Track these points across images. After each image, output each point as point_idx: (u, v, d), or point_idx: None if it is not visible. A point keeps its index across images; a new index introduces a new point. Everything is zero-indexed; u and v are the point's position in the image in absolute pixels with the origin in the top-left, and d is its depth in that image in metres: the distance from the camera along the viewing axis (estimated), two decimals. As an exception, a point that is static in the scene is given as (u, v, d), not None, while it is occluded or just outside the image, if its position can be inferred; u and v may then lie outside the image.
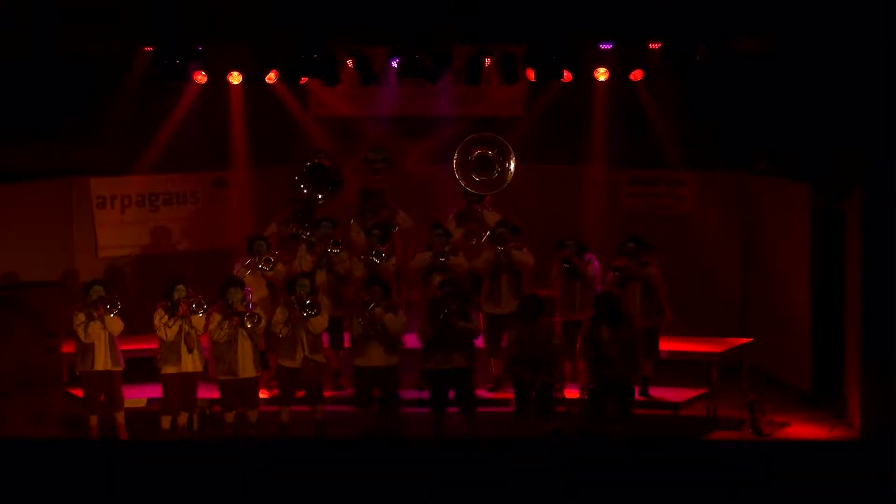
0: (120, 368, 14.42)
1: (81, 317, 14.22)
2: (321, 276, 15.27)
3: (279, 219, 16.02)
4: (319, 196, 16.17)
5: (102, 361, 14.28)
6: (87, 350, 14.27)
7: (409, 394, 14.89)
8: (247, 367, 14.36)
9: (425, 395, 14.55)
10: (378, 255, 15.14)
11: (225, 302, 14.33)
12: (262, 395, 14.91)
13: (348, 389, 15.41)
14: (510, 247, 15.16)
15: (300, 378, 14.50)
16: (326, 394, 15.08)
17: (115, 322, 14.26)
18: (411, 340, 14.73)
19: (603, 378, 13.96)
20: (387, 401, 14.40)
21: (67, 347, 14.91)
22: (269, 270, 15.10)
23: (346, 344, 15.54)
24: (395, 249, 15.78)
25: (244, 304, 14.36)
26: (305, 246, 15.42)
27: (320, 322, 14.39)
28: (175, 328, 14.26)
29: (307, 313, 14.27)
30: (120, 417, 14.46)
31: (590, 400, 14.14)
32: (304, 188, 16.08)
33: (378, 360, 14.34)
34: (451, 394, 14.31)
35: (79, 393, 14.70)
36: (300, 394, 14.65)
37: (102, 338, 14.27)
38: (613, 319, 13.96)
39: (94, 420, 14.41)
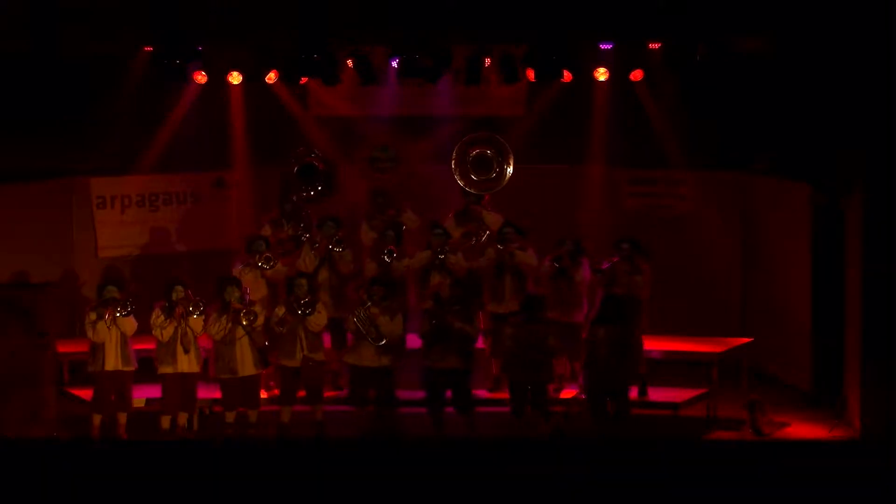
0: (131, 369, 14.41)
1: (93, 315, 14.23)
2: (323, 275, 15.28)
3: (270, 220, 16.01)
4: (311, 194, 16.16)
5: (113, 361, 14.29)
6: (97, 350, 14.28)
7: (407, 393, 14.90)
8: (246, 365, 14.37)
9: (422, 394, 14.58)
10: (389, 255, 15.13)
11: (222, 300, 14.35)
12: (262, 395, 14.91)
13: (347, 390, 15.43)
14: (513, 247, 15.16)
15: (300, 377, 14.51)
16: (326, 394, 15.09)
17: (127, 322, 14.26)
18: (412, 340, 14.73)
19: (596, 378, 13.97)
20: (382, 402, 14.39)
21: (63, 347, 14.91)
22: (269, 269, 15.12)
23: (349, 344, 15.56)
24: (407, 251, 15.76)
25: (241, 301, 14.36)
26: (308, 245, 15.44)
27: (318, 321, 14.40)
28: (171, 329, 14.27)
29: (302, 312, 14.27)
30: (122, 417, 14.47)
31: (587, 399, 14.14)
32: (296, 189, 16.06)
33: (369, 360, 14.34)
34: (449, 394, 14.32)
35: (82, 393, 14.71)
36: (301, 393, 14.65)
37: (113, 337, 14.27)
38: (612, 320, 13.95)
39: (97, 419, 14.42)
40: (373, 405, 14.45)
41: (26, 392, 14.42)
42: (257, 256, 15.15)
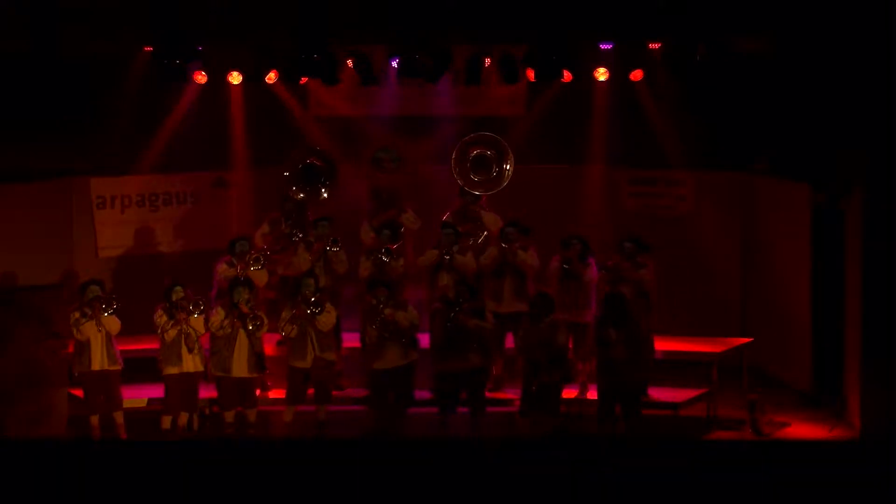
0: (118, 367, 14.43)
1: (76, 315, 14.24)
2: (319, 276, 15.27)
3: (270, 219, 16.00)
4: (312, 196, 16.14)
5: (99, 361, 14.29)
6: (83, 350, 14.28)
7: (418, 394, 14.89)
8: (241, 366, 14.38)
9: (428, 394, 14.58)
10: (388, 254, 15.13)
11: (230, 300, 14.35)
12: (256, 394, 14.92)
13: (349, 389, 15.43)
14: (515, 247, 15.16)
15: (311, 377, 14.51)
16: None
17: (112, 321, 14.27)
18: (423, 340, 14.73)
19: (612, 380, 13.95)
20: (402, 401, 14.38)
21: (72, 348, 14.90)
22: (261, 268, 15.09)
23: (346, 343, 15.57)
24: (405, 250, 15.75)
25: (249, 305, 14.37)
26: (304, 245, 15.43)
27: (327, 320, 14.41)
28: (174, 330, 14.28)
29: (311, 311, 14.29)
30: (119, 417, 14.48)
31: (599, 401, 14.12)
32: (298, 190, 16.03)
33: (397, 360, 14.35)
34: (462, 394, 14.32)
35: (79, 393, 14.71)
36: (309, 391, 14.65)
37: (99, 337, 14.28)
38: (620, 321, 13.94)
39: (95, 420, 14.43)
40: (390, 406, 14.43)
41: (38, 393, 14.41)
42: (246, 257, 15.14)
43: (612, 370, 13.91)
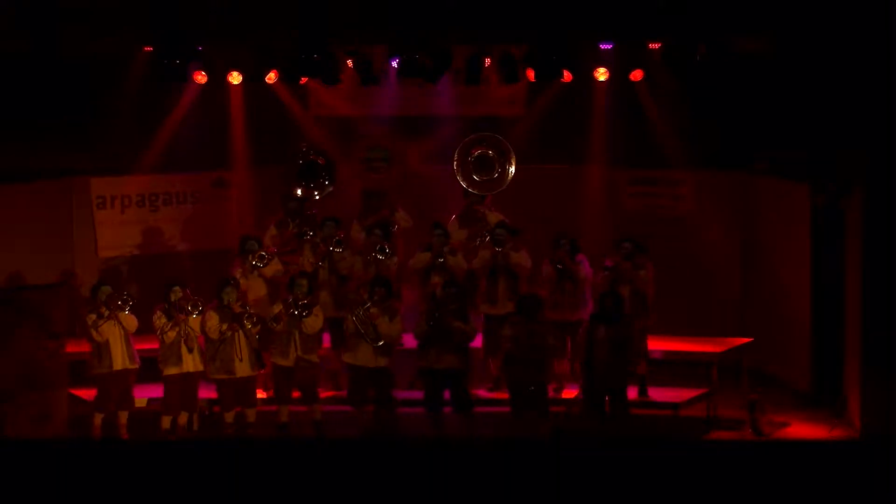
0: (136, 366, 14.49)
1: (93, 316, 14.26)
2: (323, 275, 15.29)
3: (276, 221, 16.01)
4: (315, 194, 16.16)
5: (121, 360, 14.36)
6: (103, 350, 14.31)
7: (406, 393, 14.90)
8: (244, 366, 14.39)
9: (420, 394, 14.59)
10: (382, 252, 15.11)
11: (220, 301, 14.35)
12: (259, 395, 14.93)
13: (347, 390, 15.44)
14: (508, 248, 15.16)
15: (294, 378, 14.52)
16: (326, 394, 15.10)
17: (130, 318, 14.32)
18: (408, 340, 14.73)
19: (594, 377, 13.97)
20: (381, 402, 14.39)
21: (70, 348, 14.91)
22: (263, 266, 15.10)
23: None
24: (397, 249, 15.78)
25: (240, 304, 14.38)
26: (310, 246, 15.44)
27: (314, 324, 14.40)
28: (173, 331, 14.29)
29: (297, 312, 14.27)
30: (123, 417, 14.50)
31: (585, 399, 14.15)
32: (298, 188, 16.04)
33: (366, 360, 14.32)
34: (447, 394, 14.34)
35: (82, 393, 14.72)
36: (296, 394, 14.66)
37: (118, 336, 14.32)
38: (611, 319, 13.95)
39: (98, 419, 14.44)
40: (372, 405, 14.45)
41: (38, 394, 14.41)
42: (250, 256, 15.15)
43: (595, 367, 13.91)
